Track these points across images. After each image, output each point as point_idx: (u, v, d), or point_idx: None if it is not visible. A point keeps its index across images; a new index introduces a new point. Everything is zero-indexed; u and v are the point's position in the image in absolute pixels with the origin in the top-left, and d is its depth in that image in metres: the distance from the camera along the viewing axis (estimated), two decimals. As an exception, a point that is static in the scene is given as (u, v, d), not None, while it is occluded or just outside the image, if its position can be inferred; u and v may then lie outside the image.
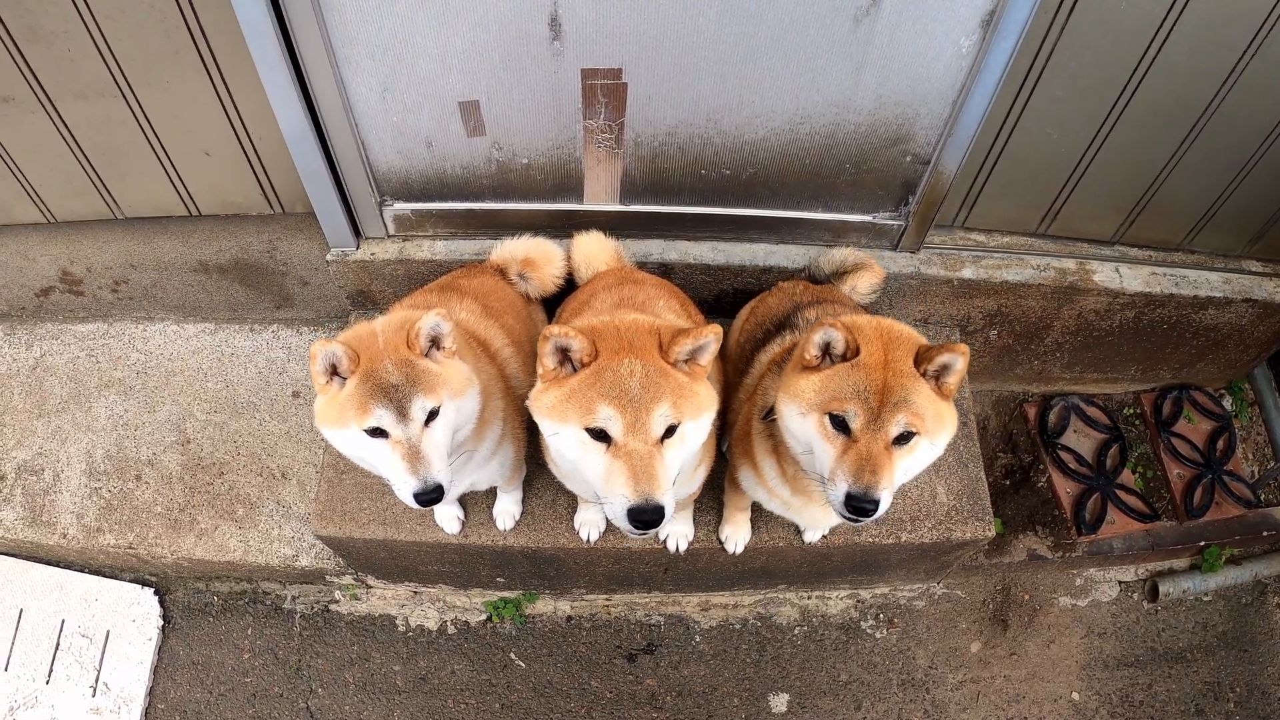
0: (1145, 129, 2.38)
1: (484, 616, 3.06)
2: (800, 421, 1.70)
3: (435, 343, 1.79)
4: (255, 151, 2.47)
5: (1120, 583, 3.31)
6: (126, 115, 2.38)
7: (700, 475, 2.00)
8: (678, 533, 2.50)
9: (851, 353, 1.67)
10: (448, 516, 2.51)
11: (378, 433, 1.68)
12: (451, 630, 3.05)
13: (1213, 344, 3.15)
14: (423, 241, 2.65)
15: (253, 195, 2.62)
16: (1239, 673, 3.16)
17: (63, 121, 2.42)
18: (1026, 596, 3.22)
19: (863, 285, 2.44)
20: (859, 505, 1.59)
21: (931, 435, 1.65)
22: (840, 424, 1.64)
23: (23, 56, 2.22)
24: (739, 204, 2.54)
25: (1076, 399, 3.36)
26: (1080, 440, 3.29)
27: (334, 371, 1.71)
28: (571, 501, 2.55)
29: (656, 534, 1.49)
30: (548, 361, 1.61)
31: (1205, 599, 3.30)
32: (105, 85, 2.29)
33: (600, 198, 2.50)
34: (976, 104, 2.22)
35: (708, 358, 1.65)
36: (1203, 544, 3.25)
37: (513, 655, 3.00)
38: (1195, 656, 3.19)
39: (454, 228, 2.63)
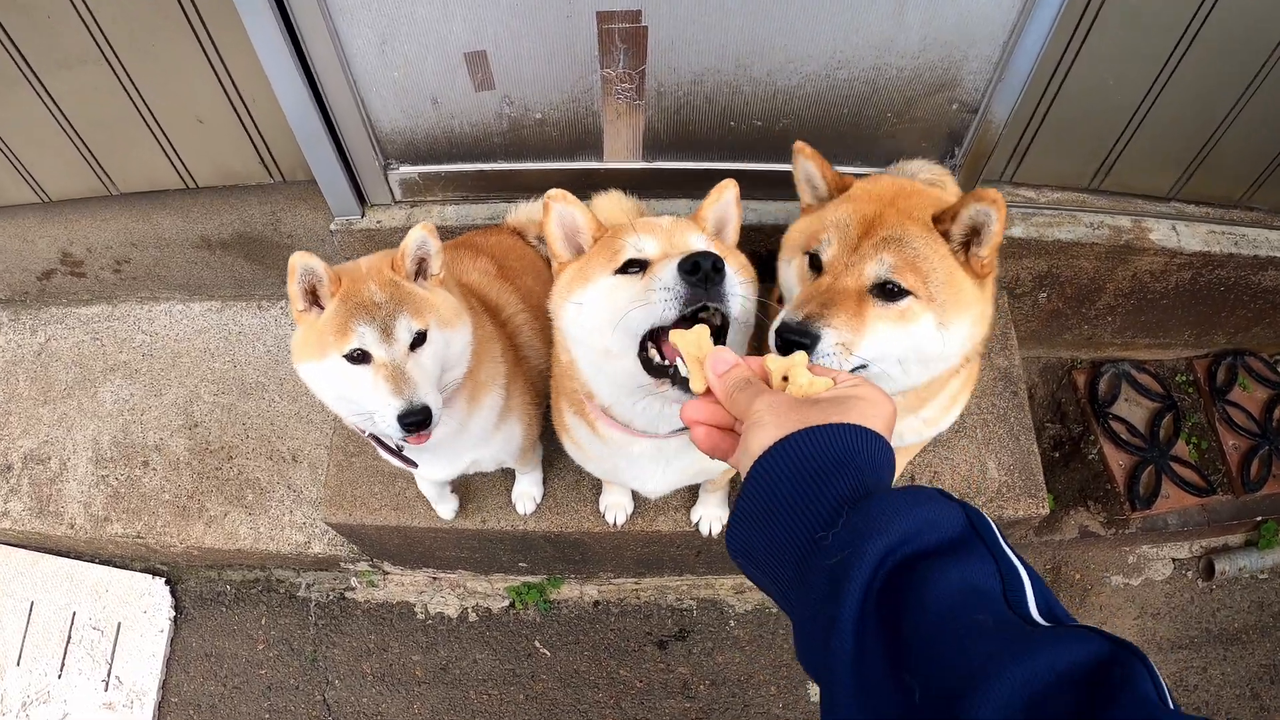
0: (1208, 72, 2.18)
1: (506, 603, 2.94)
2: (785, 269, 1.49)
3: (422, 269, 1.68)
4: (250, 116, 2.33)
5: (1174, 560, 3.14)
6: (113, 83, 2.25)
7: None
8: (711, 515, 2.35)
9: (834, 188, 1.47)
10: (439, 496, 2.37)
11: (359, 359, 1.55)
12: (473, 618, 2.93)
13: (1271, 307, 2.96)
14: (432, 207, 2.50)
15: (251, 164, 2.49)
16: (1299, 655, 3.00)
17: (48, 93, 2.30)
18: (1078, 576, 3.06)
19: None
20: (789, 338, 1.25)
21: (940, 308, 1.29)
22: (817, 263, 1.36)
23: (1, 27, 2.10)
24: (771, 159, 2.35)
25: (1127, 365, 3.17)
26: (1132, 409, 3.11)
27: (313, 298, 1.59)
28: (596, 482, 2.41)
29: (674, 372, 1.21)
30: (559, 249, 1.45)
31: (1262, 577, 3.13)
32: (88, 52, 2.16)
33: (621, 154, 2.32)
34: (1030, 45, 2.03)
35: (733, 232, 1.49)
36: (1259, 519, 3.08)
37: (537, 643, 2.88)
38: (1251, 638, 3.02)
39: (465, 191, 2.48)
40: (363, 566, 2.90)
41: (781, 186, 2.43)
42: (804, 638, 0.69)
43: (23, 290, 3.24)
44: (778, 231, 2.41)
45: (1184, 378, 3.24)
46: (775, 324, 1.29)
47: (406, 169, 2.40)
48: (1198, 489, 2.98)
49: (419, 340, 1.59)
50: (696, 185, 2.39)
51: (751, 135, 2.29)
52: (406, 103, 2.20)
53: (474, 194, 2.49)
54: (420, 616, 2.93)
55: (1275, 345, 3.27)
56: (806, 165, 1.51)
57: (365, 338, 1.53)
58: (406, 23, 1.98)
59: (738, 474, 2.20)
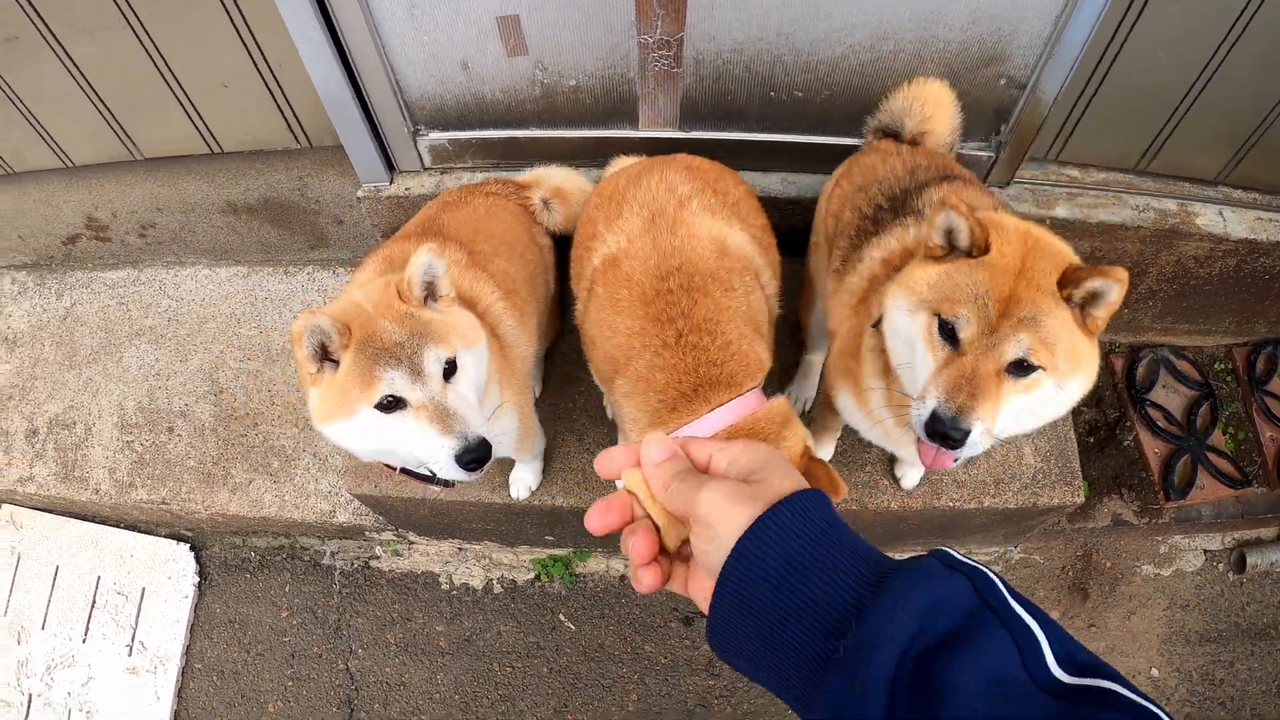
0: (1263, 55, 2.11)
1: (532, 575, 2.93)
2: (908, 321, 1.46)
3: (431, 291, 1.56)
4: (276, 81, 2.28)
5: (1206, 552, 3.08)
6: (136, 49, 2.22)
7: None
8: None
9: (978, 247, 1.40)
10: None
11: (392, 405, 1.43)
12: (498, 589, 2.92)
13: (1318, 296, 2.87)
14: (462, 174, 2.45)
15: (277, 129, 2.44)
16: (1329, 652, 2.94)
17: (70, 60, 2.28)
18: (1109, 564, 3.01)
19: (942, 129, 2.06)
20: (943, 431, 1.34)
21: (1061, 375, 1.37)
22: (949, 332, 1.39)
23: (24, -7, 2.07)
24: (812, 131, 2.29)
25: (1166, 351, 3.10)
26: (1170, 396, 3.04)
27: (324, 356, 1.45)
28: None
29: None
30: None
31: (1294, 572, 3.07)
32: (112, 19, 2.13)
33: (657, 123, 2.26)
34: (1083, 21, 1.96)
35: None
36: (1294, 513, 3.00)
37: (562, 616, 2.87)
38: (1281, 634, 2.97)
39: (495, 158, 2.43)
40: (388, 536, 2.90)
41: (822, 160, 2.38)
42: None
43: (48, 255, 3.23)
44: (815, 205, 2.38)
45: (1223, 365, 3.16)
46: (923, 413, 1.37)
47: (436, 135, 2.35)
48: (1233, 480, 2.92)
49: (450, 370, 1.48)
50: (734, 156, 2.32)
51: (792, 106, 2.23)
52: (436, 68, 2.14)
53: (505, 161, 2.44)
54: (445, 587, 2.93)
55: (1318, 335, 3.19)
56: (953, 218, 1.42)
57: (395, 383, 1.41)
58: (438, -15, 1.93)
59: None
